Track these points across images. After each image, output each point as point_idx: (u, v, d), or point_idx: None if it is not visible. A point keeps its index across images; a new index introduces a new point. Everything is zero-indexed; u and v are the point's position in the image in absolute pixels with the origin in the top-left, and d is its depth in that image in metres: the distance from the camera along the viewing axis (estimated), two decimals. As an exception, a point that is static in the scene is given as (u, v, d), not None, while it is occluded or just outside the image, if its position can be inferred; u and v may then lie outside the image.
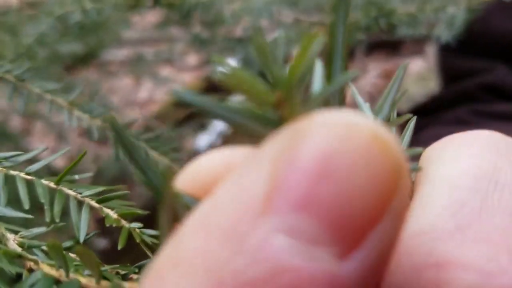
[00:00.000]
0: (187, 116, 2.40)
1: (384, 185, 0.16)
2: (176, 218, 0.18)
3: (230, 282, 0.15)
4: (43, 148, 0.33)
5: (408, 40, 1.87)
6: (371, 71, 2.09)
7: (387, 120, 0.25)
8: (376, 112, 0.24)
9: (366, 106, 0.26)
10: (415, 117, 0.29)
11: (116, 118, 0.16)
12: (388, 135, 0.16)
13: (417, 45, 1.98)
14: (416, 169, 0.25)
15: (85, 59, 1.14)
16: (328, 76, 0.19)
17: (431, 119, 0.86)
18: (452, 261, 0.19)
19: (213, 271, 0.15)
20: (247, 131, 0.17)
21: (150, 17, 1.58)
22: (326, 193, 0.15)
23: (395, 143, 0.16)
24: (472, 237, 0.19)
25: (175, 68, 2.68)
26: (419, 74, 1.95)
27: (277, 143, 0.17)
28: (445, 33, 0.74)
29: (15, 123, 2.24)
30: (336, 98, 0.20)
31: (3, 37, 0.99)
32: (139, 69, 1.70)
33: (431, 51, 1.91)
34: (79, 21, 0.64)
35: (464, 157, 0.23)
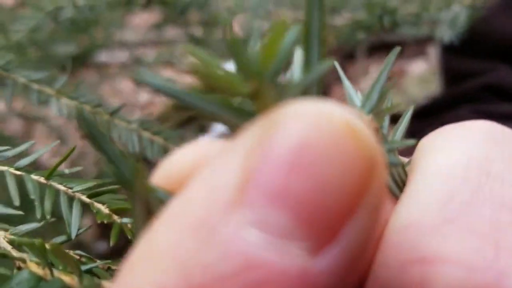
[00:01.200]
0: (187, 118, 2.41)
1: (357, 179, 0.16)
2: (150, 212, 0.18)
3: (199, 276, 0.15)
4: (31, 142, 0.33)
5: (410, 42, 1.86)
6: (373, 73, 2.09)
7: (377, 109, 0.24)
8: (364, 101, 0.24)
9: (356, 95, 0.25)
10: (411, 107, 0.28)
11: (83, 110, 0.16)
12: (362, 126, 0.16)
13: (419, 46, 1.97)
14: (405, 163, 0.24)
15: (80, 60, 1.14)
16: (305, 65, 0.19)
17: (434, 120, 0.86)
18: (437, 256, 0.18)
19: (183, 265, 0.15)
20: (219, 121, 0.17)
21: (150, 19, 1.58)
22: (298, 186, 0.15)
23: (369, 134, 0.16)
24: (459, 231, 0.19)
25: (176, 70, 2.69)
26: (421, 76, 1.94)
27: (249, 135, 0.16)
28: (448, 33, 0.73)
29: (16, 126, 2.24)
30: (314, 87, 0.19)
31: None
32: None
33: (433, 52, 1.90)
34: (70, 17, 0.63)
35: (457, 147, 0.22)
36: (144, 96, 2.65)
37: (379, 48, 2.08)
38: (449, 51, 0.87)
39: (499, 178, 0.21)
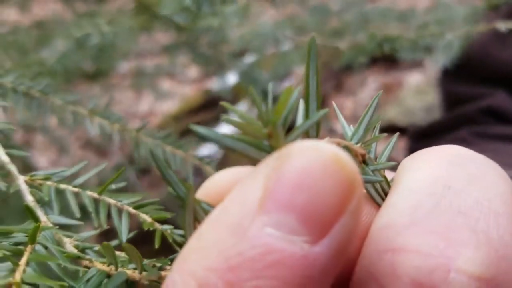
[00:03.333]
0: (187, 129, 2.49)
1: (342, 193, 0.24)
2: (197, 219, 0.26)
3: (236, 259, 0.23)
4: (85, 163, 0.40)
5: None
6: (371, 84, 2.17)
7: (363, 140, 0.32)
8: (352, 134, 0.32)
9: (349, 128, 0.33)
10: (397, 135, 0.36)
11: (156, 152, 0.24)
12: (346, 157, 0.24)
13: (415, 59, 2.05)
14: (382, 180, 0.32)
15: (95, 77, 1.22)
16: (306, 114, 0.27)
17: (433, 141, 0.96)
18: (404, 247, 0.27)
19: (224, 253, 0.23)
20: (246, 156, 0.25)
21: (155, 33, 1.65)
22: (301, 199, 0.23)
23: (351, 162, 0.24)
24: (421, 230, 0.27)
25: (176, 81, 2.77)
26: (417, 88, 2.02)
27: (267, 165, 0.25)
28: (442, 58, 0.81)
29: (17, 136, 2.31)
30: (314, 129, 0.27)
31: (14, 55, 1.07)
32: (140, 82, 1.75)
33: (430, 64, 1.98)
34: (97, 43, 0.70)
35: (427, 167, 0.31)
36: (144, 106, 2.73)
37: (377, 60, 2.16)
38: (449, 76, 0.95)
39: (458, 191, 0.29)
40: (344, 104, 2.14)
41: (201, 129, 0.24)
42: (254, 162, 0.26)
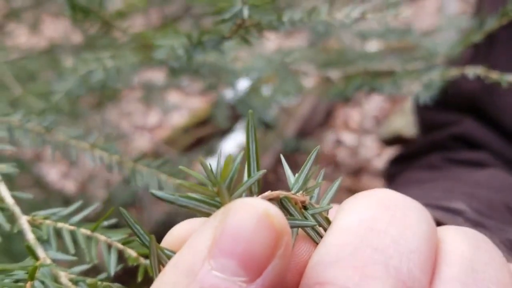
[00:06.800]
0: (195, 141, 2.59)
1: (271, 242, 0.31)
2: (161, 263, 0.33)
3: None
4: (80, 203, 0.47)
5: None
6: (376, 95, 2.22)
7: (303, 188, 0.38)
8: (293, 184, 0.38)
9: (292, 176, 0.40)
10: (340, 179, 0.43)
11: (125, 210, 0.31)
12: (274, 212, 0.31)
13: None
14: (315, 224, 0.38)
15: (101, 104, 1.30)
16: (248, 173, 0.34)
17: (408, 165, 1.04)
18: (327, 281, 0.34)
19: None
20: (198, 211, 0.32)
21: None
22: (240, 247, 0.31)
23: (279, 217, 0.31)
24: (343, 266, 0.34)
25: (184, 93, 2.85)
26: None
27: (215, 218, 0.32)
28: (423, 94, 0.89)
29: (27, 149, 2.40)
30: (256, 185, 0.35)
31: (24, 82, 1.14)
32: (148, 94, 1.82)
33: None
34: (100, 79, 0.77)
35: (356, 209, 0.37)
36: (153, 119, 2.82)
37: (381, 74, 2.22)
38: (423, 103, 1.05)
39: (379, 232, 0.35)
40: (351, 116, 2.20)
41: (158, 193, 0.31)
42: (206, 215, 0.33)
